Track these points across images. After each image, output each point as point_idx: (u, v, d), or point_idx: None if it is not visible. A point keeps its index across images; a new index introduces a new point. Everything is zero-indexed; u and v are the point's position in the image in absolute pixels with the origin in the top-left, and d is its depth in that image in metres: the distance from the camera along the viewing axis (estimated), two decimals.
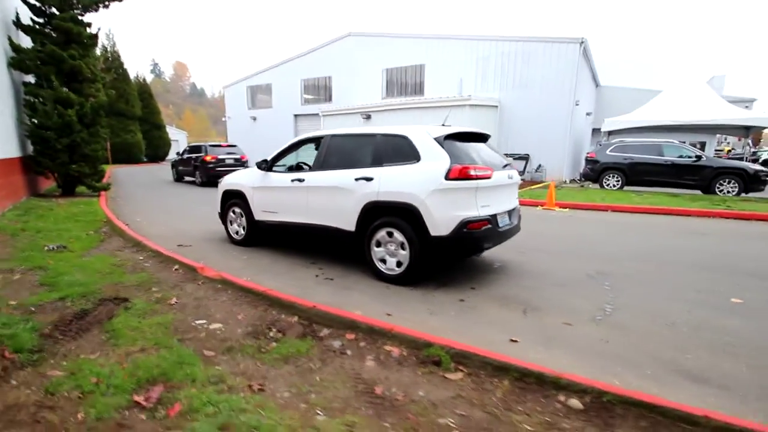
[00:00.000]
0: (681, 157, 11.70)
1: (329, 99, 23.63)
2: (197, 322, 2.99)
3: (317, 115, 21.55)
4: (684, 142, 14.09)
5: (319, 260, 4.91)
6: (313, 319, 3.03)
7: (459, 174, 3.68)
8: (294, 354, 2.54)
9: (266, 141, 25.97)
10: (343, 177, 4.34)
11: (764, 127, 18.09)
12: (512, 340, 2.82)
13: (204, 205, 9.70)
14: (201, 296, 3.54)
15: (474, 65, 18.82)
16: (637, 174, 12.24)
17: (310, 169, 4.85)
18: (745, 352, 2.71)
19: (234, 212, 5.71)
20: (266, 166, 5.20)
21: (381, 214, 4.08)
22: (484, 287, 3.99)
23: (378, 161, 4.17)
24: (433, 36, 19.74)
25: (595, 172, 12.97)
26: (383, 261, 4.13)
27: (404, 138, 4.07)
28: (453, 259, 4.57)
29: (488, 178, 3.82)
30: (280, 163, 5.39)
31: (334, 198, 4.41)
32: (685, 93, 16.26)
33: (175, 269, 4.30)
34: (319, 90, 24.32)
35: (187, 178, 15.58)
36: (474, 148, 4.13)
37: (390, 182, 3.98)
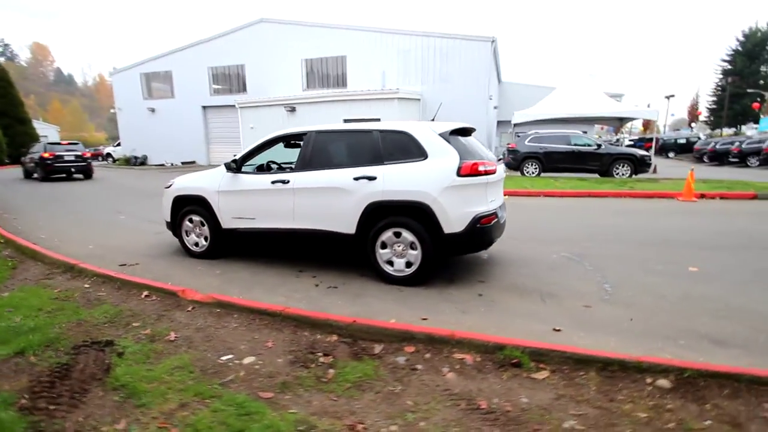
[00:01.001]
0: (586, 145, 13.40)
1: (243, 89, 21.97)
2: (223, 358, 2.52)
3: (232, 106, 19.87)
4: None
5: (306, 267, 4.52)
6: (357, 335, 2.77)
7: (470, 170, 3.67)
8: (364, 379, 2.29)
9: (169, 135, 23.28)
10: (339, 177, 4.03)
11: (634, 119, 21.70)
12: (555, 330, 2.92)
13: (111, 212, 8.29)
14: (203, 326, 3.00)
15: (396, 58, 19.09)
16: (551, 162, 13.69)
17: (292, 169, 4.41)
18: (731, 315, 3.17)
19: (191, 221, 4.95)
20: (236, 166, 4.59)
21: (386, 214, 3.89)
22: (491, 279, 4.07)
23: (377, 159, 3.95)
24: (355, 27, 19.50)
25: (516, 161, 14.18)
26: (389, 263, 3.95)
27: (406, 134, 3.92)
28: (462, 254, 4.49)
29: (494, 173, 3.88)
30: (249, 163, 4.81)
31: (329, 200, 4.08)
32: (574, 89, 18.57)
33: (146, 295, 3.58)
34: (231, 79, 22.43)
35: (36, 175, 15.82)
36: (470, 143, 4.16)
37: (396, 181, 3.81)
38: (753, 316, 3.11)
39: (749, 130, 38.82)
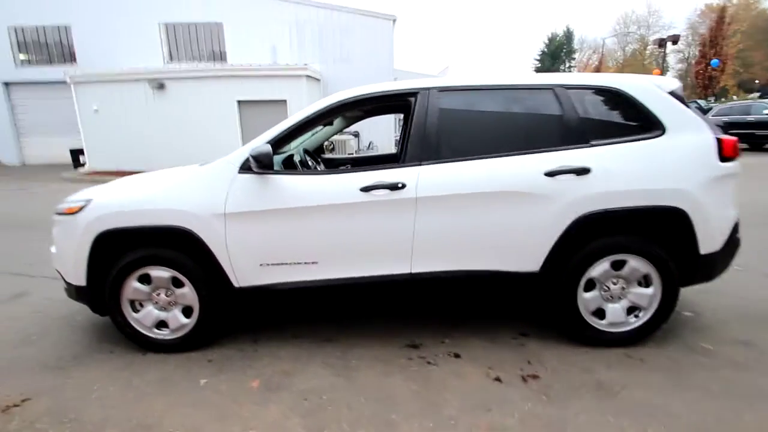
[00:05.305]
0: None
1: (71, 59, 16.01)
2: None
3: (60, 83, 14.02)
4: None
5: (406, 334, 2.53)
6: None
7: (733, 151, 2.29)
8: None
9: None
10: (515, 171, 2.19)
11: None
12: None
13: None
14: None
15: (288, 32, 16.39)
16: None
17: (399, 160, 2.32)
18: None
19: (146, 280, 2.35)
20: (268, 162, 2.20)
21: (603, 232, 2.24)
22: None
23: (576, 137, 2.24)
24: None
25: None
26: (596, 313, 2.34)
27: (622, 95, 2.28)
28: (699, 284, 2.47)
29: None
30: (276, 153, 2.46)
31: (495, 215, 2.20)
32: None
33: None
34: (50, 47, 16.09)
35: None
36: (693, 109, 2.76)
37: (627, 173, 2.18)
38: None
39: None
